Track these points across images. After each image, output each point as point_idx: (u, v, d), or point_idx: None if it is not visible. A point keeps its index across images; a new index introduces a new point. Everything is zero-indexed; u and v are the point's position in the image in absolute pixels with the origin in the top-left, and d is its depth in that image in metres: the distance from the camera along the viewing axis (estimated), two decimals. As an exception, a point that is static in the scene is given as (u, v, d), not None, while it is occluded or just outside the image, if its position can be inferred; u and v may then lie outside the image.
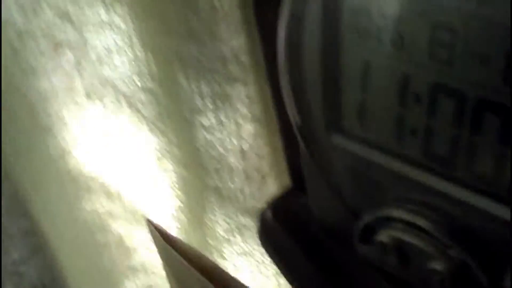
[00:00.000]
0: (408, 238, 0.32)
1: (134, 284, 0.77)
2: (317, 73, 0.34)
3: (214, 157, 0.55)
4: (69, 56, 0.57)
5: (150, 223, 0.56)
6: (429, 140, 0.31)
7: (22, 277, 0.79)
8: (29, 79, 0.58)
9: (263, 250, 0.48)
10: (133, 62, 0.56)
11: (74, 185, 0.62)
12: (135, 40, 0.55)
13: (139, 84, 0.57)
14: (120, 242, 0.72)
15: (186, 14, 0.49)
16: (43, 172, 0.63)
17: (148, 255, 0.73)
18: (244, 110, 0.52)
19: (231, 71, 0.50)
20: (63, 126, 0.59)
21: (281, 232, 0.42)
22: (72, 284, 0.85)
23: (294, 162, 0.46)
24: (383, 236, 0.33)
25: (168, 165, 0.60)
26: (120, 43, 0.56)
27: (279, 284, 0.59)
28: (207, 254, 0.60)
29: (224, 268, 0.57)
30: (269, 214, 0.44)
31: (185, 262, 0.52)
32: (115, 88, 0.58)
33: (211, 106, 0.52)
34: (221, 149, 0.54)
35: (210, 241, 0.61)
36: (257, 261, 0.59)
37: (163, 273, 0.63)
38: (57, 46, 0.56)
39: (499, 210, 0.30)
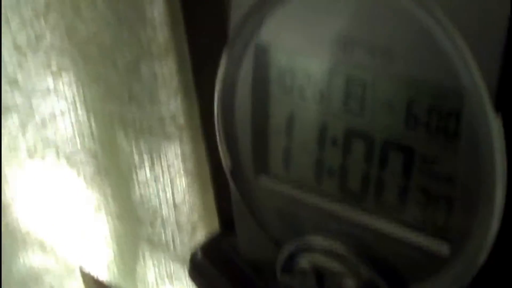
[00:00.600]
0: (325, 261, 0.35)
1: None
2: (248, 125, 0.37)
3: (148, 209, 0.56)
4: (15, 119, 0.58)
5: (83, 273, 0.56)
6: (344, 177, 0.35)
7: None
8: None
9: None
10: (75, 125, 0.58)
11: (11, 239, 0.62)
12: (78, 104, 0.57)
13: (79, 145, 0.58)
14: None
15: (128, 81, 0.52)
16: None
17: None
18: (178, 166, 0.54)
19: (168, 130, 0.52)
20: (5, 183, 0.60)
21: (210, 268, 0.44)
22: None
23: (224, 209, 0.49)
24: (303, 262, 0.36)
25: (104, 218, 0.61)
26: (64, 107, 0.57)
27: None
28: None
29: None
30: (199, 253, 0.46)
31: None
32: (56, 148, 0.59)
33: (147, 163, 0.54)
34: (155, 202, 0.55)
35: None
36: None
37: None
38: (6, 110, 0.58)
39: (403, 234, 0.33)
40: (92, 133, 0.58)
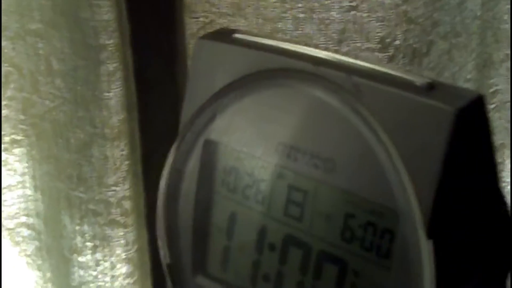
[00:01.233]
0: None
1: None
2: (189, 221, 0.37)
3: None
4: None
5: None
6: (279, 284, 0.34)
7: None
8: None
9: None
10: (21, 199, 0.57)
11: None
12: (27, 179, 0.57)
13: (24, 220, 0.58)
14: None
15: (79, 161, 0.52)
16: None
17: None
18: (120, 251, 0.53)
19: (113, 215, 0.52)
20: None
21: None
22: None
23: None
24: None
25: None
26: (12, 181, 0.57)
27: None
28: None
29: None
30: None
31: None
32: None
33: (89, 246, 0.54)
34: (93, 286, 0.55)
35: None
36: None
37: None
38: None
39: None
40: (37, 211, 0.57)
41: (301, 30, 0.47)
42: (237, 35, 0.34)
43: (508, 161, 0.55)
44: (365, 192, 0.30)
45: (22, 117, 0.55)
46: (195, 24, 0.48)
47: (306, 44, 0.33)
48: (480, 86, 0.52)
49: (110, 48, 0.48)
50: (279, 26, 0.47)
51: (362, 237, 0.31)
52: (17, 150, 0.56)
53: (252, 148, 0.34)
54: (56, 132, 0.53)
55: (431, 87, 0.29)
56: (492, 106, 0.54)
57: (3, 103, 0.55)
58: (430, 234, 0.28)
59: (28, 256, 0.59)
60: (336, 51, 0.45)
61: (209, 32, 0.37)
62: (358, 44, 0.46)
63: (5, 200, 0.58)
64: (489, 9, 0.50)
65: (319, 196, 0.32)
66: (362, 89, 0.30)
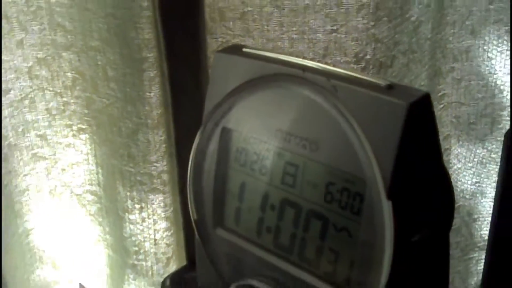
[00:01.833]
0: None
1: None
2: (210, 188, 0.37)
3: (134, 243, 0.55)
4: (41, 164, 0.58)
5: (82, 286, 0.55)
6: (278, 235, 0.34)
7: None
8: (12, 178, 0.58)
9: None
10: (86, 172, 0.58)
11: (30, 256, 0.61)
12: (90, 158, 0.57)
13: (88, 188, 0.58)
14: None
15: (128, 144, 0.52)
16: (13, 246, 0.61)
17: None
18: (160, 211, 0.53)
19: (154, 184, 0.52)
20: (30, 213, 0.60)
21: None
22: None
23: (191, 249, 0.48)
24: (243, 298, 0.36)
25: (100, 247, 0.60)
26: (79, 159, 0.57)
27: None
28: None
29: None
30: (168, 282, 0.45)
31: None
32: (70, 189, 0.59)
33: (137, 207, 0.54)
34: (140, 238, 0.55)
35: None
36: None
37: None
38: (36, 158, 0.58)
39: (317, 284, 0.33)
40: (98, 181, 0.57)
41: (295, 48, 0.47)
42: (246, 50, 0.34)
43: (454, 148, 0.55)
44: (341, 166, 0.30)
45: (86, 111, 0.55)
46: (215, 43, 0.48)
47: (298, 57, 0.33)
48: (431, 90, 0.52)
49: (150, 60, 0.48)
50: (278, 44, 0.47)
51: (339, 199, 0.31)
52: (82, 136, 0.56)
53: (257, 133, 0.34)
54: (111, 122, 0.53)
55: (391, 88, 0.29)
56: (441, 106, 0.54)
57: (71, 101, 0.55)
58: (389, 197, 0.28)
59: (92, 215, 0.59)
60: (320, 62, 0.45)
61: (224, 47, 0.37)
62: (338, 58, 0.46)
63: (74, 173, 0.58)
64: (438, 32, 0.50)
65: (307, 169, 0.32)
66: (339, 90, 0.30)
